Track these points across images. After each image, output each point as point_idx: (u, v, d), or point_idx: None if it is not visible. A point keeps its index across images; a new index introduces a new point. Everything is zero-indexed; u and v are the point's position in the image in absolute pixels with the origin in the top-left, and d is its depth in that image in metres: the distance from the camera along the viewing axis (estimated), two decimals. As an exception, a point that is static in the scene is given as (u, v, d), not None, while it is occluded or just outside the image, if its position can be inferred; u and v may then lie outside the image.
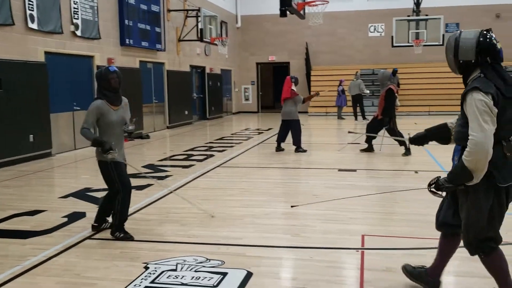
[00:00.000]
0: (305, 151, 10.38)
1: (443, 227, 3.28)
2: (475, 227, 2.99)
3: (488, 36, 3.01)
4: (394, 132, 9.69)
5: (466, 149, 2.87)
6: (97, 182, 7.67)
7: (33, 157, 9.81)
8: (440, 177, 3.07)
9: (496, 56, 3.01)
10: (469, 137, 2.85)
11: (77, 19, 11.41)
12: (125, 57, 13.80)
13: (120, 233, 4.75)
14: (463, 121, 3.00)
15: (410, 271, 3.53)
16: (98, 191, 6.75)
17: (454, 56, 3.06)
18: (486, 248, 3.02)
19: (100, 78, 4.70)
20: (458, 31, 3.11)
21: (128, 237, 4.74)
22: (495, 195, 2.95)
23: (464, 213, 3.04)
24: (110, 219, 4.95)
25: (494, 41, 3.02)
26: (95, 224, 5.00)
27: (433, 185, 3.08)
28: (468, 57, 3.01)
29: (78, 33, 11.46)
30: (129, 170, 5.07)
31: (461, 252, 3.36)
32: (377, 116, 9.81)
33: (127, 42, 13.61)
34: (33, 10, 9.94)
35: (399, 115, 9.97)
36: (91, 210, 5.67)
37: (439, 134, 3.42)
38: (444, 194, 3.17)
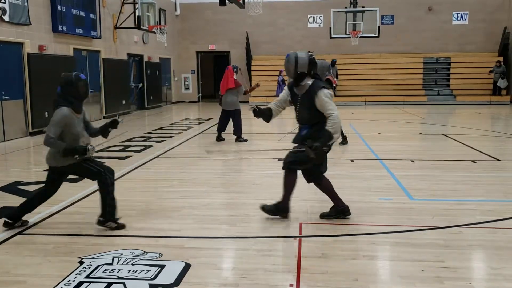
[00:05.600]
0: (245, 140, 10.43)
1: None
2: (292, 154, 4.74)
3: (313, 56, 4.66)
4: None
5: (330, 121, 4.45)
6: (29, 175, 7.36)
7: (-42, 150, 9.25)
8: (308, 145, 4.46)
9: (316, 68, 4.68)
10: (331, 115, 4.46)
11: (4, 3, 10.79)
12: (58, 44, 13.23)
13: (114, 223, 4.60)
14: (309, 108, 4.59)
15: (268, 209, 4.92)
16: (29, 184, 6.47)
17: (294, 68, 4.60)
18: (289, 167, 4.78)
19: (69, 85, 4.48)
20: (294, 52, 4.68)
21: (123, 225, 4.66)
22: None
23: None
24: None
25: (315, 60, 4.65)
26: (9, 221, 4.65)
27: (311, 153, 4.42)
28: (304, 69, 4.59)
29: (6, 18, 10.86)
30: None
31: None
32: (315, 106, 9.99)
33: (60, 28, 13.04)
34: (-45, -7, 9.30)
35: (337, 105, 10.21)
36: (22, 205, 5.42)
37: (266, 114, 4.90)
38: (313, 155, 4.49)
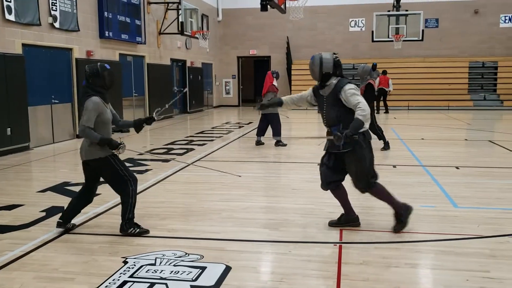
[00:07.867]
0: (285, 145, 10.44)
1: (329, 185, 4.77)
2: (364, 172, 4.59)
3: (338, 58, 4.62)
4: (373, 126, 9.79)
5: (359, 109, 4.32)
6: (76, 176, 7.61)
7: (11, 151, 9.67)
8: (343, 133, 4.29)
9: (341, 70, 4.63)
10: (358, 103, 4.35)
11: (55, 10, 11.24)
12: (105, 49, 13.65)
13: (135, 228, 4.63)
14: (336, 106, 4.53)
15: (335, 223, 4.86)
16: (77, 185, 6.69)
17: (319, 69, 4.56)
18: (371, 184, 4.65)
19: (95, 75, 4.54)
20: (319, 54, 4.63)
21: (145, 231, 4.66)
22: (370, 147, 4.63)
23: (353, 166, 4.59)
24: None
25: (340, 62, 4.62)
26: (60, 221, 4.76)
27: (341, 139, 4.27)
28: (329, 69, 4.55)
29: (57, 25, 11.30)
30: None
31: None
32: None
33: (107, 34, 13.45)
34: (10, 2, 9.75)
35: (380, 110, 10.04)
36: (70, 205, 5.62)
37: (275, 103, 5.04)
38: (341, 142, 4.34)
